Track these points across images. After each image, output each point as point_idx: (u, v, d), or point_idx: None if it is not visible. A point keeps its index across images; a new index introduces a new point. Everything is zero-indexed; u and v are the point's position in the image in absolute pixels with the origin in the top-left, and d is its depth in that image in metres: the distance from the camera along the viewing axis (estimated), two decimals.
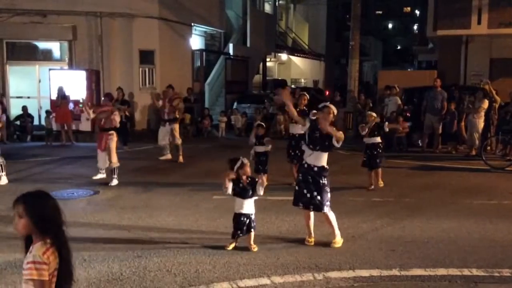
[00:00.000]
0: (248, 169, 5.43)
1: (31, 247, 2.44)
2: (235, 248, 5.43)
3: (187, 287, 4.43)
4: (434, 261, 5.09)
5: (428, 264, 5.00)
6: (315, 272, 4.80)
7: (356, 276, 4.71)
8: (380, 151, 8.75)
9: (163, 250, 5.39)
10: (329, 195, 5.57)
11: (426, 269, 4.88)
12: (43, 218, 2.42)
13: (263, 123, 9.34)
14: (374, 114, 8.97)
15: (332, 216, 5.61)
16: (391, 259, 5.16)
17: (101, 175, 9.34)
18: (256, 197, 5.48)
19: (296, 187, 5.67)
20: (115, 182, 8.88)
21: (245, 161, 5.44)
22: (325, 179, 5.53)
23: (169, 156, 11.69)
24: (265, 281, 4.58)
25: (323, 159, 5.55)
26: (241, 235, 5.41)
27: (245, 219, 5.38)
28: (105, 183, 8.93)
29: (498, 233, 6.12)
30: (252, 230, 5.43)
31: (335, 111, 5.72)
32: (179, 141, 11.57)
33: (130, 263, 4.98)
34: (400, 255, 5.30)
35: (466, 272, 4.81)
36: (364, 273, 4.79)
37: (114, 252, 5.28)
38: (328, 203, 5.55)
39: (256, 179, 5.42)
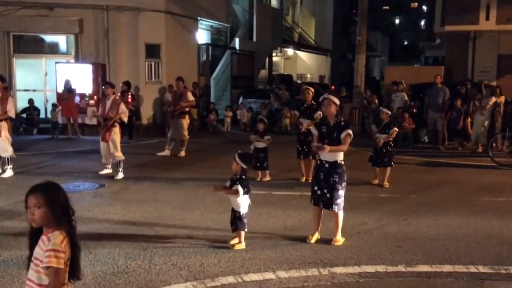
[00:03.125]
0: (234, 165, 5.30)
1: (44, 237, 2.46)
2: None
3: (192, 280, 4.43)
4: (440, 258, 5.07)
5: (434, 261, 4.98)
6: (320, 267, 4.79)
7: (362, 272, 4.69)
8: (390, 149, 8.70)
9: (169, 243, 5.40)
10: (340, 193, 5.42)
11: (432, 265, 4.86)
12: (60, 207, 2.47)
13: (264, 118, 9.28)
14: (389, 112, 8.91)
15: (341, 216, 5.51)
16: (396, 255, 5.14)
17: (107, 170, 9.26)
18: (246, 195, 5.33)
19: (311, 184, 5.66)
20: (121, 175, 8.87)
21: (236, 157, 5.30)
22: (337, 176, 5.36)
23: (166, 153, 11.40)
24: (270, 275, 4.58)
25: (334, 154, 5.37)
26: (235, 231, 5.36)
27: (233, 215, 5.33)
28: (111, 176, 8.94)
29: (505, 230, 6.08)
30: (235, 227, 5.30)
31: (336, 101, 5.48)
32: (184, 137, 11.47)
33: (136, 256, 4.99)
34: (406, 251, 5.28)
35: (472, 269, 4.79)
36: (370, 269, 4.77)
37: (120, 245, 5.29)
38: (339, 201, 5.42)
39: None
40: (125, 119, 9.40)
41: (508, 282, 4.56)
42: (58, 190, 2.53)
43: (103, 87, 9.67)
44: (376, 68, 47.76)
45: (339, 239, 5.52)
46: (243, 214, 5.30)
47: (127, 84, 13.46)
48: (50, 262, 2.40)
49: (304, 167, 8.79)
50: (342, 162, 5.44)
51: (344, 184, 5.45)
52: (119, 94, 9.43)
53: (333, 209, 5.42)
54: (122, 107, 9.13)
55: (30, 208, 2.46)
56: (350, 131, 5.44)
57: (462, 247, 5.43)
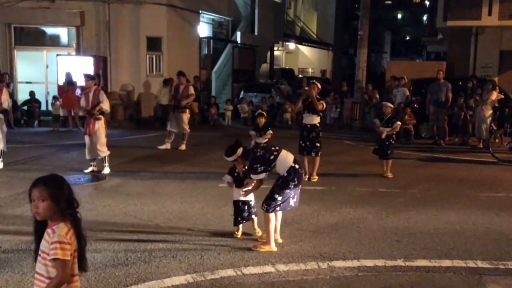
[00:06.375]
0: (241, 165, 5.30)
1: (49, 230, 2.46)
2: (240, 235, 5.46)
3: (192, 273, 4.45)
4: (439, 253, 5.09)
5: (433, 255, 4.99)
6: (319, 261, 4.80)
7: (361, 266, 4.71)
8: (393, 142, 8.85)
9: (169, 236, 5.42)
10: (276, 196, 5.02)
11: (431, 260, 4.87)
12: (64, 200, 2.47)
13: (263, 112, 9.21)
14: (392, 106, 9.01)
15: (269, 219, 5.05)
16: (395, 250, 5.16)
17: (92, 167, 8.80)
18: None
19: None
20: (107, 170, 8.60)
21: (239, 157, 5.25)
22: (280, 180, 5.03)
23: (167, 146, 11.36)
24: (269, 269, 4.60)
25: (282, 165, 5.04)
26: (243, 222, 5.43)
27: (244, 206, 5.38)
28: (97, 172, 8.70)
29: (504, 226, 6.10)
30: (253, 216, 5.45)
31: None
32: (185, 131, 11.43)
33: (136, 249, 5.01)
34: (405, 245, 5.29)
35: (471, 264, 4.80)
36: (369, 263, 4.79)
37: (120, 238, 5.32)
38: (269, 202, 5.03)
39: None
40: (107, 109, 8.83)
41: (506, 277, 4.58)
42: (62, 182, 2.52)
43: (84, 79, 8.97)
44: (378, 63, 47.64)
45: (264, 247, 5.04)
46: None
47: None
48: (56, 254, 2.40)
49: (307, 164, 8.64)
50: (286, 175, 5.00)
51: (283, 191, 5.02)
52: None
53: (262, 207, 5.08)
54: (103, 97, 8.61)
55: (34, 201, 2.45)
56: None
57: (461, 242, 5.44)
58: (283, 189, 5.04)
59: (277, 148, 5.17)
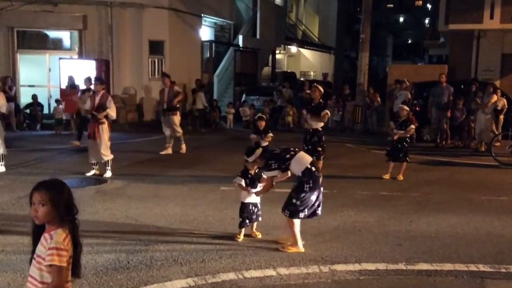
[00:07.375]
0: (255, 163, 5.38)
1: (46, 235, 2.46)
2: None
3: (193, 276, 4.45)
4: (441, 256, 5.08)
5: (434, 259, 4.99)
6: (321, 264, 4.81)
7: (362, 270, 4.71)
8: (406, 145, 8.93)
9: (170, 239, 5.43)
10: (294, 201, 5.07)
11: (433, 264, 4.87)
12: (64, 205, 2.47)
13: (263, 116, 9.17)
14: (408, 108, 9.09)
15: (294, 224, 5.12)
16: (397, 253, 5.15)
17: (94, 171, 8.80)
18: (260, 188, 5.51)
19: None
20: (108, 174, 8.62)
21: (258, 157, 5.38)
22: (296, 184, 5.14)
23: (169, 151, 11.23)
24: (271, 272, 4.60)
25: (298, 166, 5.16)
26: (249, 224, 5.48)
27: (254, 208, 5.47)
28: (99, 175, 8.71)
29: (506, 229, 6.09)
30: (259, 218, 5.55)
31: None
32: (178, 133, 11.21)
33: (137, 252, 5.02)
34: (406, 249, 5.29)
35: (472, 267, 4.80)
36: (370, 266, 4.79)
37: (122, 241, 5.33)
38: (290, 208, 5.09)
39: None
40: (113, 115, 8.86)
41: (508, 281, 4.58)
42: (63, 188, 2.52)
43: (93, 83, 8.94)
44: (380, 67, 47.66)
45: (290, 248, 5.13)
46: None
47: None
48: (53, 260, 2.39)
49: None
50: (300, 175, 5.10)
51: (301, 195, 5.05)
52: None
53: (284, 213, 5.16)
54: (111, 103, 8.64)
55: (34, 204, 2.46)
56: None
57: (463, 245, 5.44)
58: (299, 193, 5.07)
59: (296, 149, 5.31)
